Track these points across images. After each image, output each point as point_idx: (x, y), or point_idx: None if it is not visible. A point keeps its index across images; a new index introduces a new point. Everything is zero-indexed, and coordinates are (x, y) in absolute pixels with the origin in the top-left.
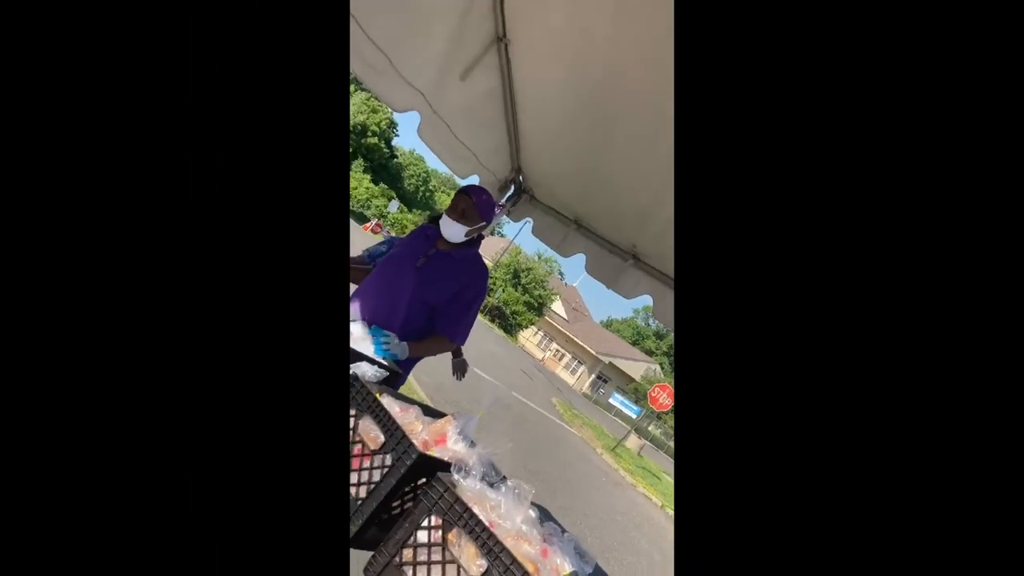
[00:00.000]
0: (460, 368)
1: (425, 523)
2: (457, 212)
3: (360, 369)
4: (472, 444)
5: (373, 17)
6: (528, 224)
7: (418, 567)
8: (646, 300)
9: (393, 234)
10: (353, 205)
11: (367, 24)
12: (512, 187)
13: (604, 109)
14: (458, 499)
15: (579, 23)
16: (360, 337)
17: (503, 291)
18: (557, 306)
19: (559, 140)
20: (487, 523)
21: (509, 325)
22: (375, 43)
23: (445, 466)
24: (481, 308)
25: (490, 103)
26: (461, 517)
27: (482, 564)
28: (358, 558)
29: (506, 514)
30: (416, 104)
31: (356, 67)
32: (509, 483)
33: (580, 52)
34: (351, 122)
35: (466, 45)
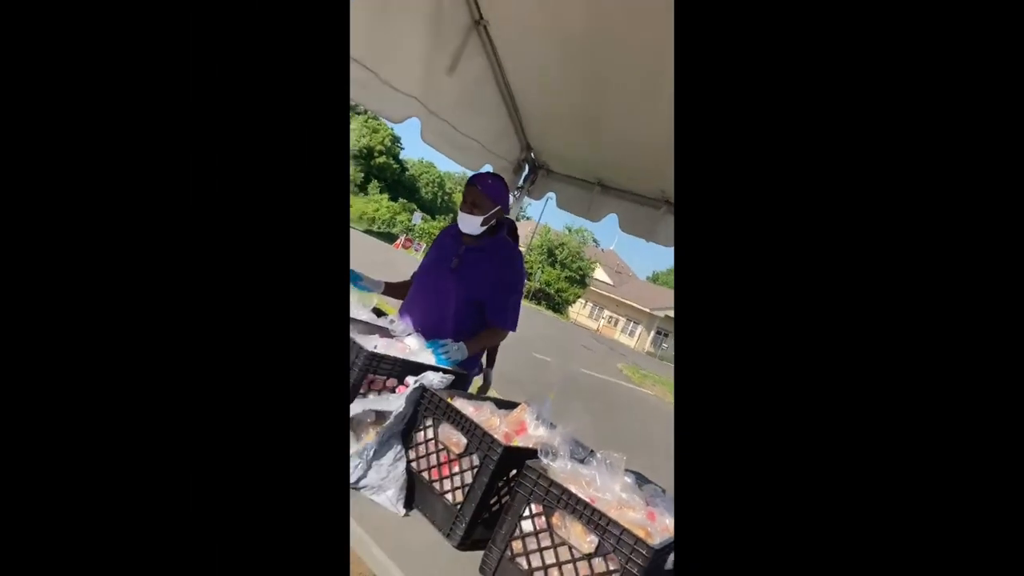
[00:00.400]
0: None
1: (526, 512)
2: (468, 204)
3: (427, 379)
4: (552, 426)
5: (351, 37)
6: (551, 200)
7: (530, 555)
8: None
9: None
10: (378, 226)
11: (352, 50)
12: (526, 166)
13: (594, 60)
14: (553, 482)
15: None
16: (419, 349)
17: (542, 272)
18: (599, 273)
19: (560, 105)
20: (587, 499)
21: (556, 304)
22: (359, 62)
23: (532, 453)
24: (525, 293)
25: (484, 88)
26: (560, 499)
27: (592, 540)
28: (472, 559)
29: (603, 486)
30: (413, 110)
31: (351, 90)
32: (599, 455)
33: (557, 9)
34: (355, 148)
35: (446, 38)
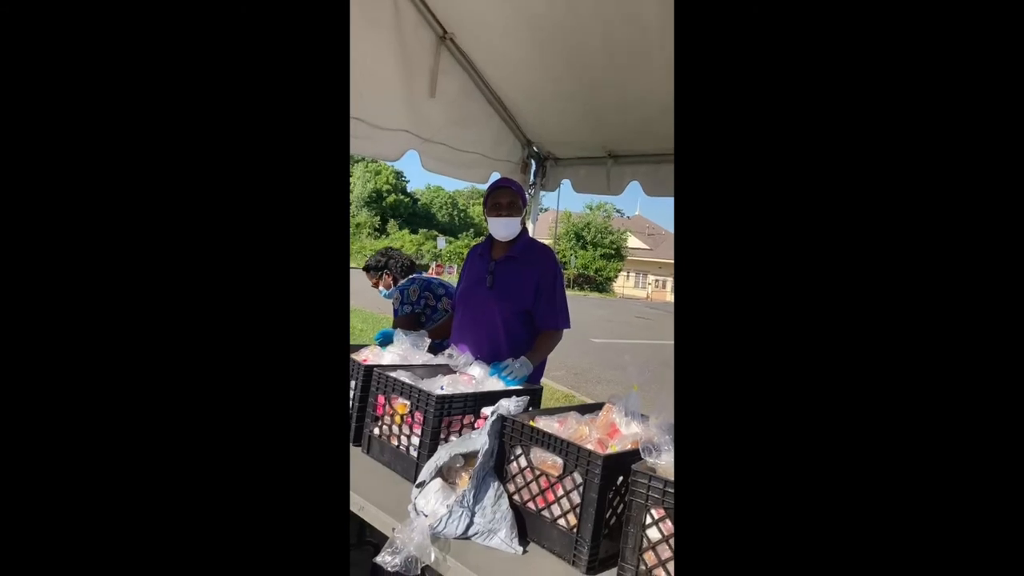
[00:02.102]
0: None
1: (648, 520)
2: (503, 208)
3: (502, 408)
4: (644, 418)
5: None
6: (565, 186)
7: (666, 565)
8: None
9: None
10: None
11: None
12: (532, 162)
13: (569, 37)
14: (666, 481)
15: None
16: (484, 377)
17: (576, 257)
18: (632, 241)
19: (549, 92)
20: None
21: (599, 284)
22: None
23: (634, 455)
24: (566, 282)
25: (470, 99)
26: None
27: None
28: None
29: None
30: (408, 144)
31: None
32: None
33: (514, 1)
34: (364, 194)
35: (417, 63)
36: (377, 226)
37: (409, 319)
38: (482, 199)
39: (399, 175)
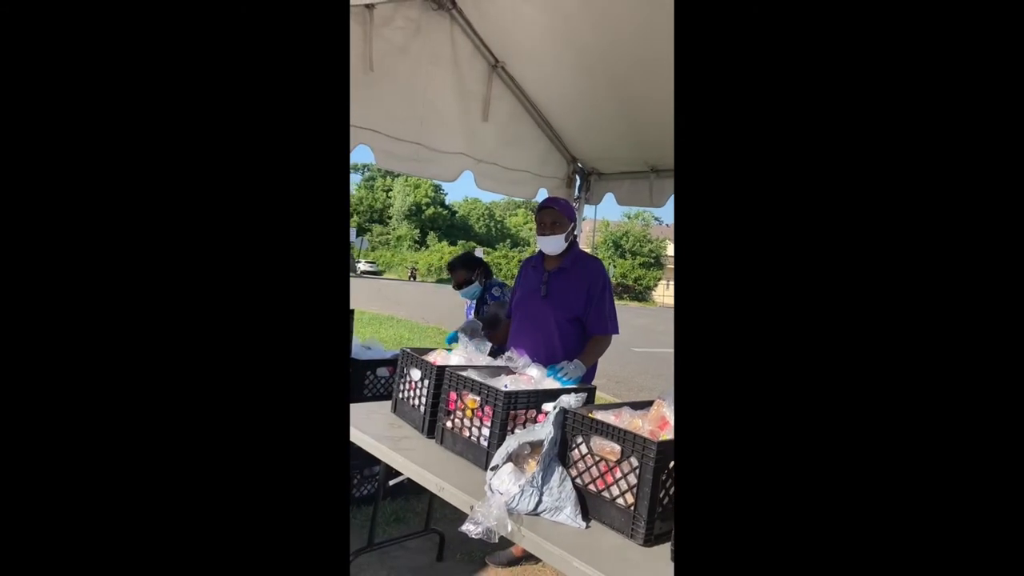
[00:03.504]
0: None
1: None
2: (547, 227)
3: (564, 402)
4: None
5: (392, 122)
6: (607, 198)
7: None
8: None
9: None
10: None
11: (392, 131)
12: (577, 177)
13: (609, 61)
14: None
15: (547, 6)
16: (542, 377)
17: (614, 266)
18: (671, 249)
19: (592, 111)
20: None
21: (638, 292)
22: (405, 140)
23: None
24: None
25: (519, 122)
26: None
27: None
28: (662, 552)
29: None
30: (463, 165)
31: (403, 166)
32: None
33: (561, 29)
34: (404, 207)
35: (472, 90)
36: (417, 238)
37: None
38: (517, 210)
39: (437, 188)
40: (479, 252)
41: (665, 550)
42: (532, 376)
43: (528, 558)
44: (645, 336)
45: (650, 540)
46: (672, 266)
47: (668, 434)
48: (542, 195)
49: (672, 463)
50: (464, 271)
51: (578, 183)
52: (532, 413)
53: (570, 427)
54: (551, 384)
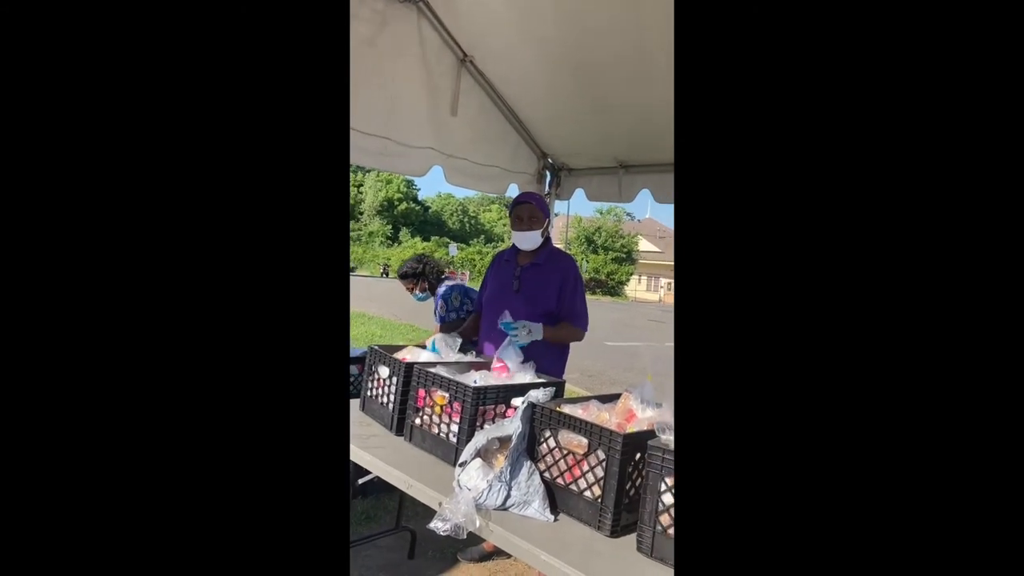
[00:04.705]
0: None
1: (663, 487)
2: (523, 222)
3: (532, 397)
4: (658, 405)
5: (359, 117)
6: (579, 194)
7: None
8: None
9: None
10: None
11: (359, 125)
12: (547, 173)
13: (579, 53)
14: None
15: (515, 0)
16: (516, 368)
17: (587, 261)
18: (644, 244)
19: (560, 106)
20: None
21: (611, 287)
22: (374, 135)
23: (650, 434)
24: None
25: (489, 116)
26: None
27: None
28: (628, 542)
29: None
30: (433, 160)
31: (371, 160)
32: None
33: (528, 22)
34: (376, 203)
35: (440, 84)
36: (389, 234)
37: (454, 324)
38: (491, 206)
39: (410, 184)
40: (453, 248)
41: (631, 540)
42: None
43: (500, 553)
44: (617, 330)
45: (616, 531)
46: (644, 261)
47: (635, 426)
48: (513, 190)
49: (638, 455)
50: (406, 281)
51: (548, 179)
52: (502, 408)
53: (538, 421)
54: (523, 378)
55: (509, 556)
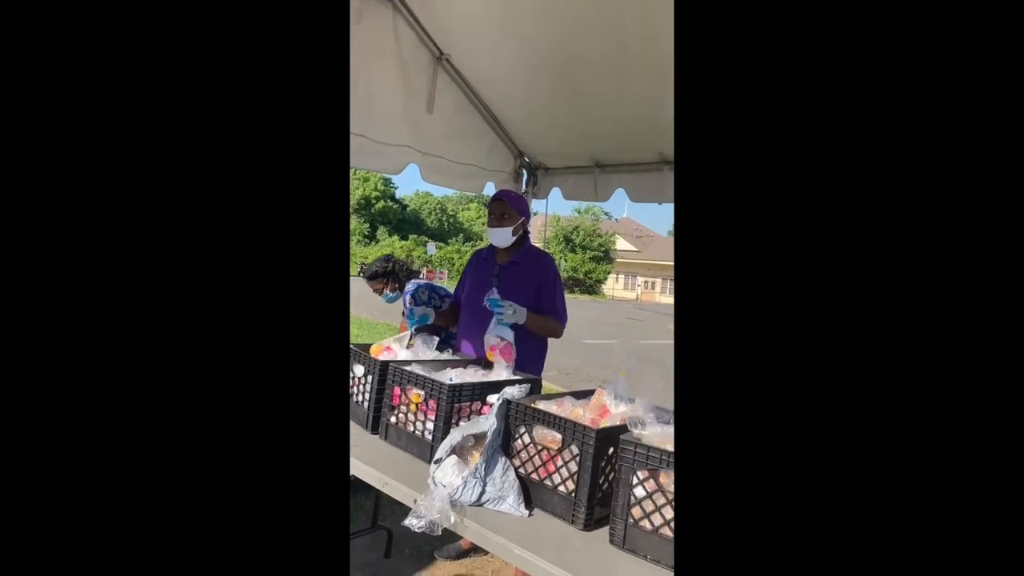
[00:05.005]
0: None
1: (635, 480)
2: (497, 219)
3: (507, 394)
4: (631, 400)
5: None
6: (556, 193)
7: (651, 516)
8: None
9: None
10: None
11: None
12: (524, 172)
13: (553, 54)
14: (650, 447)
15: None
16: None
17: (565, 260)
18: (621, 243)
19: (536, 106)
20: None
21: (589, 286)
22: (350, 132)
23: (622, 429)
24: None
25: (465, 114)
26: (661, 460)
27: None
28: (601, 535)
29: None
30: (408, 157)
31: None
32: None
33: (504, 22)
34: (353, 202)
35: (416, 82)
36: (367, 233)
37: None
38: (470, 204)
39: (387, 182)
40: (431, 247)
41: (604, 533)
42: (479, 369)
43: (476, 550)
44: (595, 328)
45: (590, 525)
46: (621, 260)
47: (608, 422)
48: (489, 189)
49: (611, 450)
50: (375, 282)
51: (525, 177)
52: (477, 405)
53: (513, 418)
54: (499, 375)
55: (486, 553)
